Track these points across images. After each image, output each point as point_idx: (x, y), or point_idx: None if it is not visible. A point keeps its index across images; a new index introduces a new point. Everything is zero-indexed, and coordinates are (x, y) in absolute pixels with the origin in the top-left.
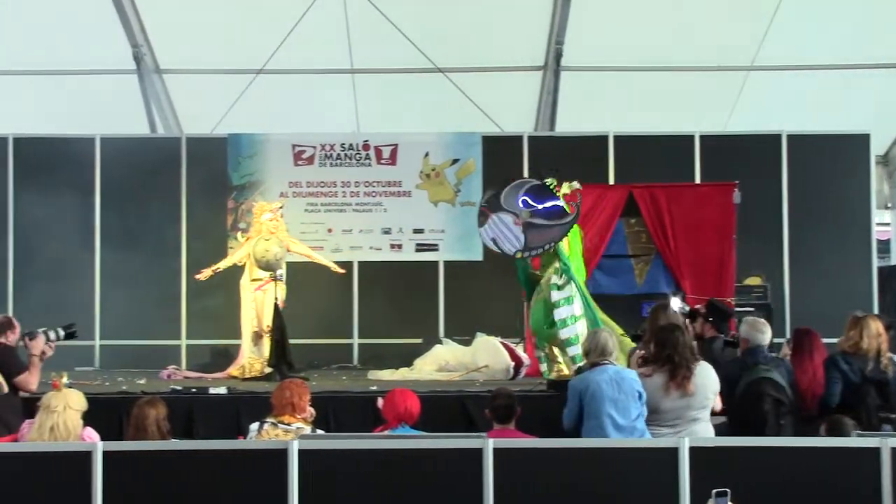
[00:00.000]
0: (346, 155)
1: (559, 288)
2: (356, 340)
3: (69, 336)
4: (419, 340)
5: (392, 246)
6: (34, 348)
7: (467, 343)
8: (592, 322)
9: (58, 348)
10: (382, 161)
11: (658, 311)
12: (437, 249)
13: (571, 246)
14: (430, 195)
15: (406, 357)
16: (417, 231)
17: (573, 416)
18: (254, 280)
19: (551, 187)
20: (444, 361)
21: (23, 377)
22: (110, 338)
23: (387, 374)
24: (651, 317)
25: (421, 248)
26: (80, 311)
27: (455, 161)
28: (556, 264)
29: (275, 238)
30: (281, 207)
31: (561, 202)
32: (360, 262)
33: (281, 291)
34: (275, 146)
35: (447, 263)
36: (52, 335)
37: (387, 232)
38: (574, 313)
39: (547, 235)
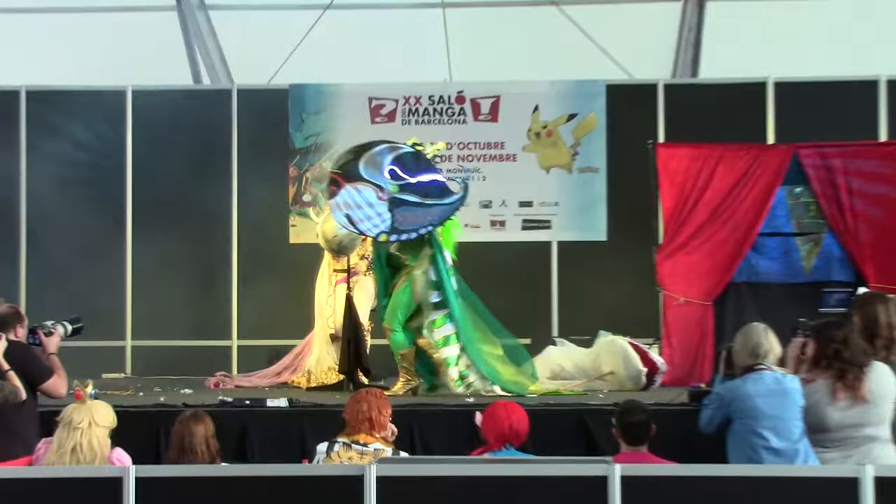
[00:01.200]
0: (435, 110)
1: (436, 287)
2: None
3: (76, 332)
4: (526, 341)
5: (493, 223)
6: (52, 346)
7: (587, 344)
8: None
9: (79, 350)
10: (481, 117)
11: (873, 303)
12: (549, 227)
13: (446, 236)
14: (541, 159)
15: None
16: (524, 204)
17: (713, 424)
18: (336, 271)
19: (428, 155)
20: (559, 367)
21: (52, 382)
22: (144, 338)
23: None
24: (861, 308)
25: (529, 225)
26: (108, 305)
27: (572, 116)
28: (428, 251)
29: None
30: None
31: (443, 177)
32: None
33: (368, 284)
34: (347, 100)
35: (562, 245)
36: (61, 329)
37: (486, 206)
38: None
39: (423, 217)
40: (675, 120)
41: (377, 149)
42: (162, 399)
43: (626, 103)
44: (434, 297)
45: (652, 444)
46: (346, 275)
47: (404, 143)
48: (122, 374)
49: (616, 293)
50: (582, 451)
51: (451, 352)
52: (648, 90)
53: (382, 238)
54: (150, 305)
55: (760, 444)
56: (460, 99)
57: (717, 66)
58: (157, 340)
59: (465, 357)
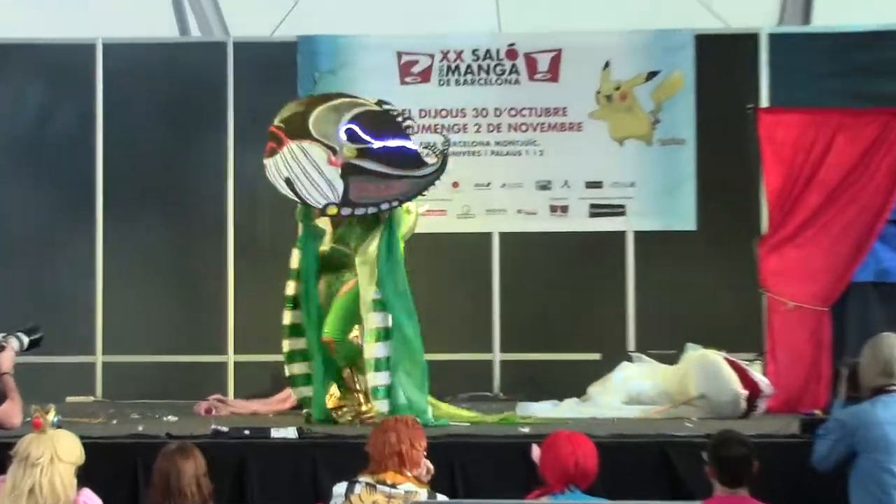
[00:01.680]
0: (480, 67)
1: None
2: (497, 356)
3: (33, 345)
4: (596, 356)
5: (553, 209)
6: (4, 363)
7: (672, 360)
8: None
9: (38, 368)
10: (538, 76)
11: None
12: (623, 213)
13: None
14: (613, 128)
15: (575, 382)
16: (592, 185)
17: (831, 459)
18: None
19: (398, 118)
20: (636, 389)
21: (3, 409)
22: (118, 352)
23: (545, 410)
24: None
25: (598, 211)
26: (74, 312)
27: (652, 75)
28: (377, 238)
29: None
30: None
31: (415, 144)
32: (502, 235)
33: None
34: (371, 55)
35: (640, 236)
36: (15, 343)
37: (545, 187)
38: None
39: (385, 190)
40: (781, 78)
41: (334, 102)
42: (140, 428)
43: (721, 58)
44: (374, 294)
45: (753, 485)
46: None
47: (371, 101)
48: (91, 398)
49: (707, 296)
50: (665, 494)
51: (381, 380)
52: (748, 41)
53: (331, 211)
54: (125, 313)
55: (893, 484)
56: (512, 54)
57: (836, 11)
58: (134, 356)
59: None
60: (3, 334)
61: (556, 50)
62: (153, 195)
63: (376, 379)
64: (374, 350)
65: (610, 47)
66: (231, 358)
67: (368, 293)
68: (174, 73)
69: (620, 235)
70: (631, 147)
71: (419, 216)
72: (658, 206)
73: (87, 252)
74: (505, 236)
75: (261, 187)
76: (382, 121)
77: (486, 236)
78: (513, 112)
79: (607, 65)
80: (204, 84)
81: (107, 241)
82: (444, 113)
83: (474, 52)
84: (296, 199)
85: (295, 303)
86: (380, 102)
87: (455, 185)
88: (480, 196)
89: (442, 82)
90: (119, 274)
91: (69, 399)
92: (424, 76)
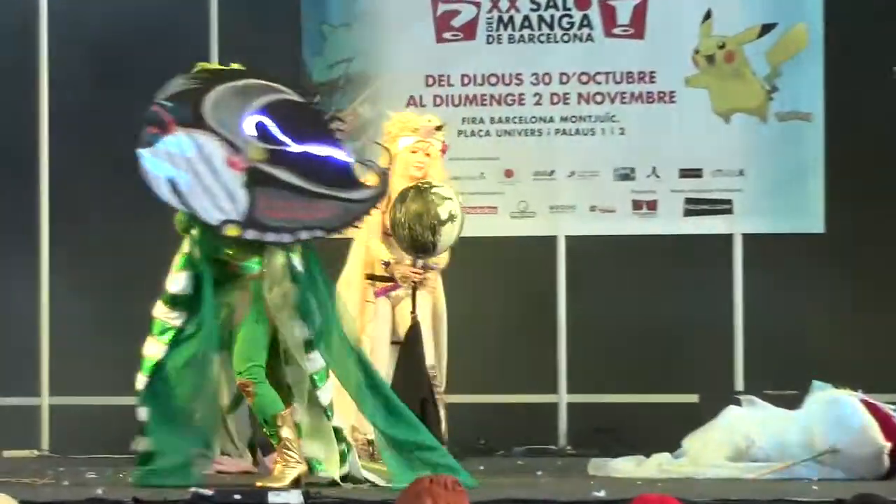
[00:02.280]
0: (541, 20)
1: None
2: (563, 398)
3: None
4: (692, 398)
5: (636, 204)
6: None
7: (793, 404)
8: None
9: None
10: (617, 31)
11: None
12: (729, 211)
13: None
14: (716, 99)
15: (666, 432)
16: (689, 174)
17: None
18: (370, 277)
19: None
20: (747, 441)
21: None
22: (70, 392)
23: (627, 468)
24: None
25: (696, 208)
26: (11, 341)
27: (767, 29)
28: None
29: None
30: (440, 128)
31: (347, 155)
32: (570, 239)
33: (431, 295)
34: (398, 1)
35: (751, 239)
36: None
37: (626, 176)
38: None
39: (305, 212)
40: None
41: (241, 82)
42: (99, 492)
43: (858, 7)
44: (304, 333)
45: None
46: (389, 284)
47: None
48: (35, 452)
49: (839, 319)
50: None
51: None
52: None
53: (231, 232)
54: (76, 341)
55: None
56: (583, 2)
57: None
58: (89, 397)
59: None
60: None
61: None
62: (114, 183)
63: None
64: (325, 395)
65: None
66: None
67: (294, 331)
68: (143, 26)
69: (725, 239)
70: (740, 124)
71: (464, 217)
72: (774, 202)
73: (30, 264)
74: (573, 241)
75: None
76: (305, 117)
77: (550, 240)
78: (584, 78)
79: (708, 15)
80: (178, 41)
81: (54, 249)
82: (492, 80)
83: (534, 0)
84: (181, 207)
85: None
86: (306, 92)
87: (508, 173)
88: (541, 188)
89: (491, 39)
90: (69, 290)
91: (6, 453)
92: (468, 32)
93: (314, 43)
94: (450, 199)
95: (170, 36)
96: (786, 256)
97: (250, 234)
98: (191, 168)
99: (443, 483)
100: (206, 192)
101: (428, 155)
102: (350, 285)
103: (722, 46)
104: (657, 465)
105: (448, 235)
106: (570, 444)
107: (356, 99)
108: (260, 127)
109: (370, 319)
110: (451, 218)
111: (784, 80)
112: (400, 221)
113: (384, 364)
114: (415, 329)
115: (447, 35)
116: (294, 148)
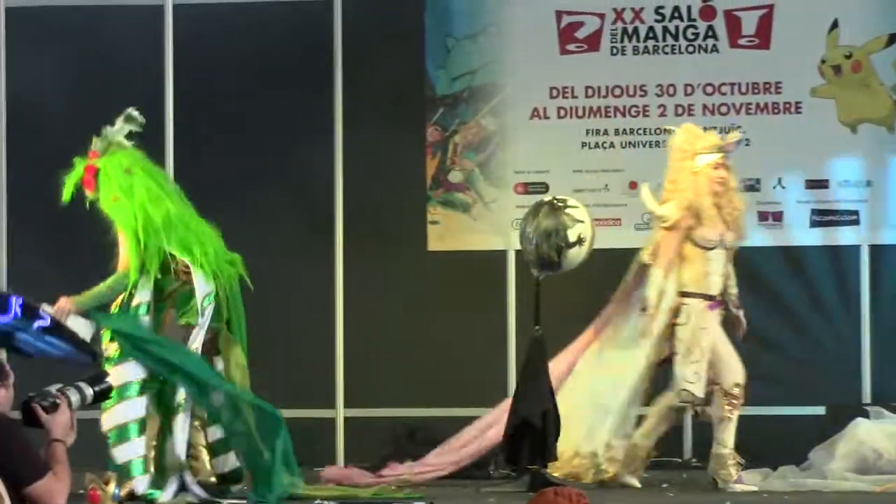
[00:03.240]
0: (666, 31)
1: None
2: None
3: (100, 397)
4: (819, 410)
5: (763, 216)
6: (57, 428)
7: None
8: None
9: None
10: (742, 41)
11: None
12: (856, 222)
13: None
14: (843, 109)
15: (792, 444)
16: (815, 184)
17: None
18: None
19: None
20: (875, 454)
21: (45, 485)
22: None
23: (753, 480)
24: None
25: (823, 219)
26: None
27: (894, 38)
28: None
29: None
30: (738, 142)
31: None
32: None
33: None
34: (521, 14)
35: (879, 251)
36: (74, 398)
37: (752, 187)
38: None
39: None
40: None
41: None
42: None
43: None
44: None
45: None
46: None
47: None
48: None
49: None
50: None
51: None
52: None
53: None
54: None
55: None
56: (708, 12)
57: None
58: None
59: None
60: (58, 386)
61: (767, 6)
62: (237, 199)
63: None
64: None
65: (838, 1)
66: (340, 413)
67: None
68: (267, 41)
69: (853, 251)
70: (867, 134)
71: (594, 239)
72: None
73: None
74: None
75: (377, 187)
76: None
77: None
78: (709, 89)
79: (835, 25)
80: (305, 54)
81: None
82: (617, 91)
83: (658, 9)
84: None
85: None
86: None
87: (632, 185)
88: None
89: (615, 51)
90: None
91: None
92: (592, 43)
93: (438, 55)
94: (582, 221)
95: (291, 46)
96: None
97: None
98: None
99: (567, 495)
100: None
101: (727, 169)
102: None
103: (849, 56)
104: (783, 478)
105: (574, 258)
106: (696, 456)
107: (480, 111)
108: None
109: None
110: (580, 241)
111: None
112: (528, 236)
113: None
114: (539, 343)
115: (571, 46)
116: None
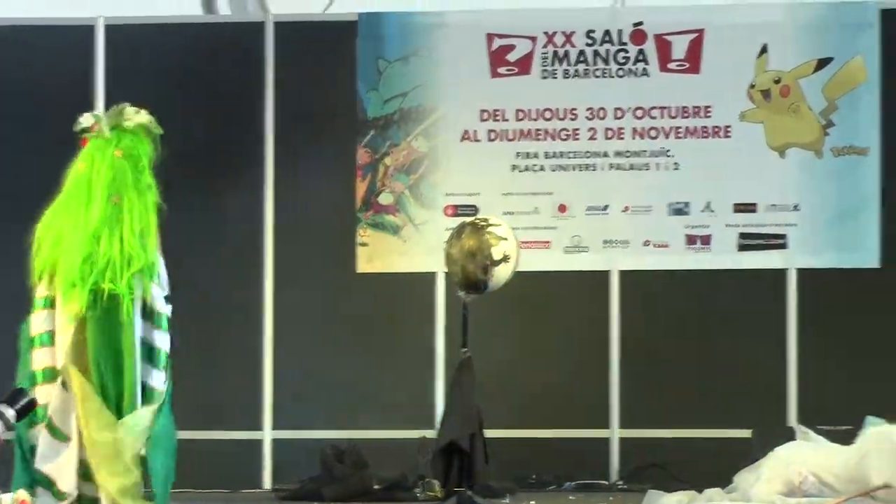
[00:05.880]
0: (597, 55)
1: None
2: (615, 433)
3: (24, 412)
4: (745, 433)
5: (690, 239)
6: None
7: (847, 439)
8: None
9: None
10: (672, 66)
11: None
12: (783, 246)
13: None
14: (771, 134)
15: (718, 467)
16: (743, 208)
17: None
18: None
19: None
20: (800, 476)
21: None
22: None
23: (679, 502)
24: None
25: (751, 243)
26: None
27: (823, 63)
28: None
29: None
30: None
31: None
32: (623, 274)
33: None
34: (453, 37)
35: (806, 275)
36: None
37: (680, 211)
38: None
39: None
40: None
41: None
42: None
43: None
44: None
45: None
46: None
47: None
48: None
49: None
50: None
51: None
52: None
53: None
54: None
55: None
56: (639, 36)
57: None
58: None
59: None
60: None
61: (697, 31)
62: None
63: None
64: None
65: (767, 25)
66: (267, 434)
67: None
68: (197, 64)
69: (780, 274)
70: (795, 159)
71: (519, 257)
72: (830, 237)
73: None
74: (627, 276)
75: (309, 210)
76: None
77: (603, 275)
78: (639, 113)
79: (764, 49)
80: (235, 76)
81: None
82: (547, 114)
83: (589, 34)
84: None
85: None
86: None
87: (562, 208)
88: (595, 223)
89: (546, 75)
90: None
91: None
92: (523, 66)
93: (370, 77)
94: (505, 239)
95: (221, 67)
96: (841, 291)
97: None
98: None
99: None
100: None
101: None
102: None
103: (778, 81)
104: (709, 501)
105: (500, 276)
106: (623, 479)
107: (411, 133)
108: None
109: None
110: (505, 259)
111: (840, 114)
112: (453, 258)
113: None
114: (467, 365)
115: (502, 70)
116: None
